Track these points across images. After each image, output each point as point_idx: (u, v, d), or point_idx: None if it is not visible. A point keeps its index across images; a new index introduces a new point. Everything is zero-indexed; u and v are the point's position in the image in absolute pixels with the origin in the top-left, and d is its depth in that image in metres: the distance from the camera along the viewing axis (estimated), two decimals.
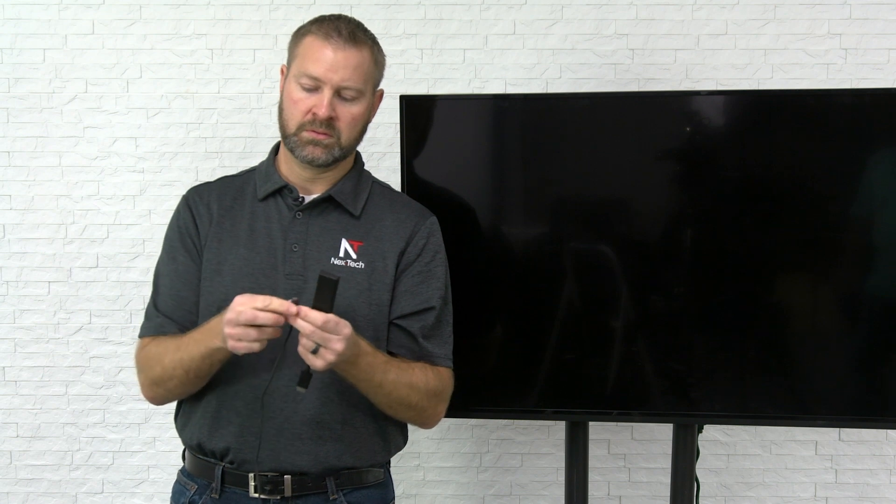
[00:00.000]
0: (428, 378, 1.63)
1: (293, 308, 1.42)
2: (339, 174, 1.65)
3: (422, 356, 1.64)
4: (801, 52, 2.32)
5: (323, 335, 1.42)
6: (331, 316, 1.43)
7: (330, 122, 1.56)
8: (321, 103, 1.55)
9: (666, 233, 1.93)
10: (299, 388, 1.48)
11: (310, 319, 1.42)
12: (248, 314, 1.42)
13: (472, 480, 2.44)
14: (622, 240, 1.92)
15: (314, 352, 1.43)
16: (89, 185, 2.39)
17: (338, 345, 1.43)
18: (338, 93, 1.56)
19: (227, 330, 1.44)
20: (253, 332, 1.43)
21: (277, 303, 1.42)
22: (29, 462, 2.44)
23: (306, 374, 1.47)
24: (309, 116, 1.56)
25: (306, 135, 1.57)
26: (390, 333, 1.64)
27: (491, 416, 2.21)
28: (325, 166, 1.60)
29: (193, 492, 1.64)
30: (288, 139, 1.60)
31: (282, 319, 1.43)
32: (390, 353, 1.63)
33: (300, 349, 1.45)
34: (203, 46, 2.37)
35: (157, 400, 1.65)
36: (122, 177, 2.39)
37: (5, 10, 2.36)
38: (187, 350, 1.54)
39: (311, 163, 1.59)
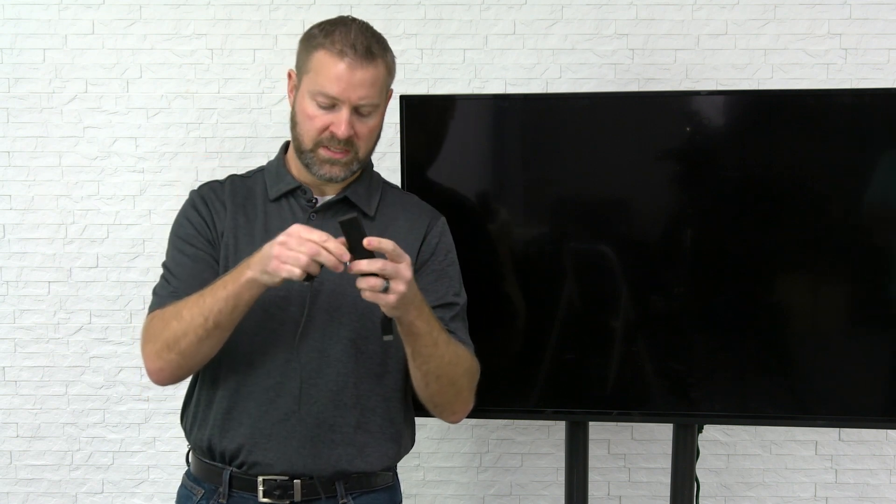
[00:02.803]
0: (465, 354, 1.61)
1: (346, 257, 1.37)
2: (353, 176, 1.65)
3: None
4: (801, 52, 2.32)
5: (395, 266, 1.38)
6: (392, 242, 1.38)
7: (349, 139, 1.55)
8: (340, 122, 1.53)
9: (666, 233, 1.93)
10: (386, 337, 1.43)
11: (383, 248, 1.36)
12: (312, 247, 1.37)
13: (472, 480, 2.44)
14: (622, 240, 1.92)
15: (384, 290, 1.37)
16: (89, 185, 2.39)
17: (407, 271, 1.39)
18: (355, 109, 1.54)
19: (278, 250, 1.39)
20: (304, 258, 1.37)
21: (334, 244, 1.38)
22: (29, 462, 2.44)
23: (387, 320, 1.42)
24: (326, 134, 1.54)
25: (323, 153, 1.56)
26: None
27: (491, 416, 2.21)
28: (343, 181, 1.60)
29: (200, 496, 1.63)
30: (304, 154, 1.58)
31: (340, 266, 1.38)
32: None
33: (368, 295, 1.38)
34: (203, 46, 2.37)
35: (165, 373, 1.56)
36: (122, 177, 2.39)
37: (5, 10, 2.36)
38: (212, 294, 1.47)
39: (329, 181, 1.58)
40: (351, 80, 1.52)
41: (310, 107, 1.55)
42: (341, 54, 1.52)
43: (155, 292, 1.62)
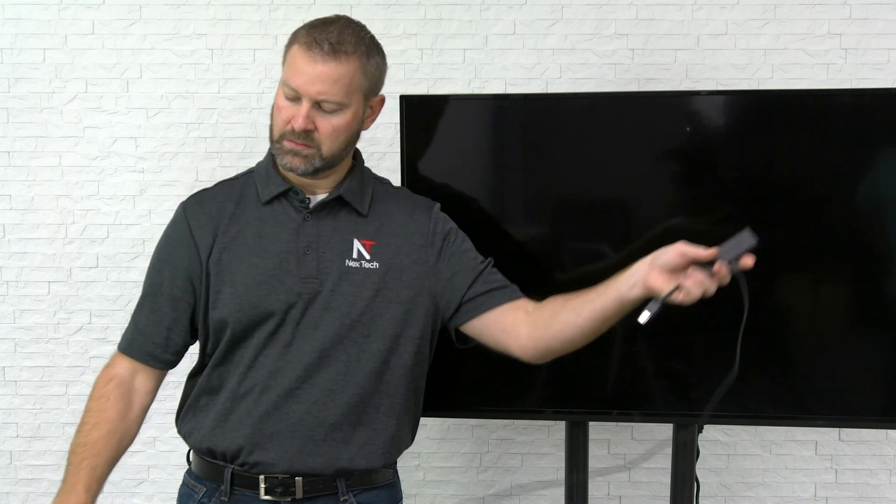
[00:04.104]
0: None
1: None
2: (341, 174, 1.64)
3: (516, 293, 1.66)
4: (801, 52, 2.32)
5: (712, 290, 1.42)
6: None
7: (308, 134, 1.54)
8: (298, 115, 1.53)
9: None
10: (648, 316, 1.44)
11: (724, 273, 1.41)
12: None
13: (472, 480, 2.44)
14: (622, 240, 1.92)
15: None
16: (89, 185, 2.39)
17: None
18: (318, 104, 1.54)
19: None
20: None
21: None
22: (29, 462, 2.44)
23: (659, 305, 1.43)
24: (289, 127, 1.55)
25: (287, 144, 1.56)
26: (478, 300, 1.63)
27: (491, 416, 2.21)
28: (306, 175, 1.59)
29: (202, 494, 1.64)
30: (273, 146, 1.60)
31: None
32: (492, 307, 1.64)
33: (694, 284, 1.41)
34: (203, 46, 2.37)
35: None
36: (122, 177, 2.39)
37: (5, 10, 2.36)
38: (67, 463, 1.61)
39: (291, 171, 1.58)
40: (311, 74, 1.52)
41: (280, 98, 1.57)
42: (308, 47, 1.53)
43: (130, 320, 1.68)
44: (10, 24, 2.36)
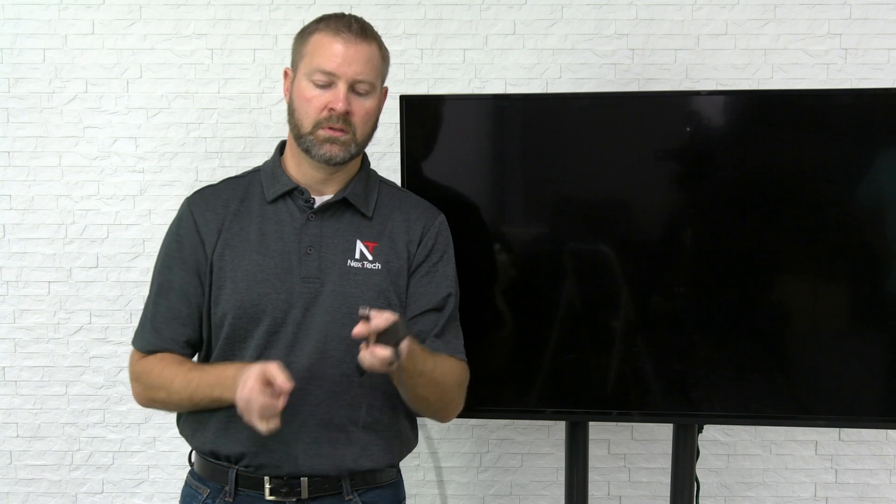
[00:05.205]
0: (454, 367, 1.64)
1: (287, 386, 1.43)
2: (349, 174, 1.65)
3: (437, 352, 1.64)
4: (801, 52, 2.32)
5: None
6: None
7: (346, 118, 1.56)
8: (337, 98, 1.55)
9: (666, 233, 1.93)
10: (361, 377, 1.48)
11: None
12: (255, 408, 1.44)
13: (472, 480, 2.44)
14: (622, 240, 1.92)
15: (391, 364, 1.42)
16: (89, 185, 2.39)
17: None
18: (351, 87, 1.56)
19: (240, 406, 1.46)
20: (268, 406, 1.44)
21: (280, 381, 1.42)
22: (29, 462, 2.44)
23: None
24: (325, 113, 1.56)
25: (322, 133, 1.56)
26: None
27: (491, 416, 2.21)
28: (342, 164, 1.60)
29: (206, 495, 1.63)
30: (303, 139, 1.58)
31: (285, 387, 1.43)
32: None
33: (378, 366, 1.42)
34: (203, 46, 2.37)
35: (150, 407, 1.69)
36: (122, 177, 2.39)
37: (5, 10, 2.36)
38: (199, 389, 1.56)
39: (328, 161, 1.58)
40: (346, 56, 1.55)
41: (307, 89, 1.57)
42: (336, 31, 1.57)
43: (140, 321, 1.67)
44: (10, 24, 2.36)
